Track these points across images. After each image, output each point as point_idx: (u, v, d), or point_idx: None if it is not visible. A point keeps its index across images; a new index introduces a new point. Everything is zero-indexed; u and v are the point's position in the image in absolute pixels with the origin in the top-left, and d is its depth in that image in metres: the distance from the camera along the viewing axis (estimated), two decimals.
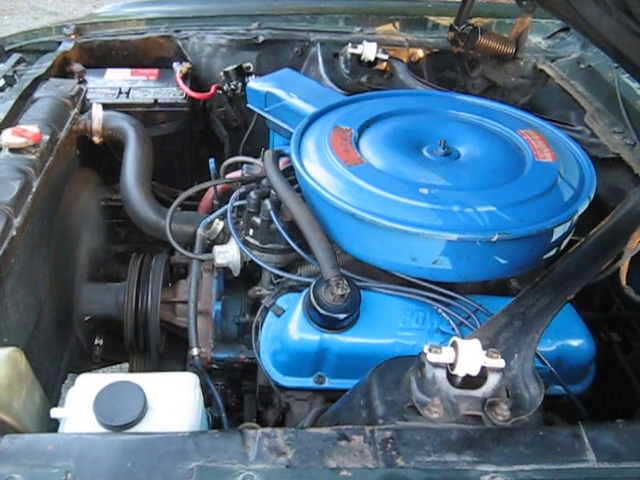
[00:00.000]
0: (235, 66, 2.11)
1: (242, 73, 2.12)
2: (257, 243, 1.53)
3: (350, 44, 2.07)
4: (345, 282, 1.31)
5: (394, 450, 0.90)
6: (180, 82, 2.02)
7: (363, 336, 1.36)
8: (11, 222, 1.27)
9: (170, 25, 2.17)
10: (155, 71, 2.10)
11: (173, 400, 1.06)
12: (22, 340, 1.45)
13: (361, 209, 1.31)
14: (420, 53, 2.22)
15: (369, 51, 2.05)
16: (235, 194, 1.55)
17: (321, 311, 1.31)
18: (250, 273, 1.66)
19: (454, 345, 1.02)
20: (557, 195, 1.38)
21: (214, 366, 1.60)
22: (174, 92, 2.01)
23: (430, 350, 1.01)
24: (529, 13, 2.06)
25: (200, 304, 1.56)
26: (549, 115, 1.99)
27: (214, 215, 1.63)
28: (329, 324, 1.34)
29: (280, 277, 1.53)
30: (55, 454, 0.87)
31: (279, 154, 1.57)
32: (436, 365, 1.00)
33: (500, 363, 1.01)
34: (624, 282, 1.28)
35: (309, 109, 1.77)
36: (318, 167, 1.43)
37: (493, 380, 1.01)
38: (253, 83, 1.89)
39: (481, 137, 1.56)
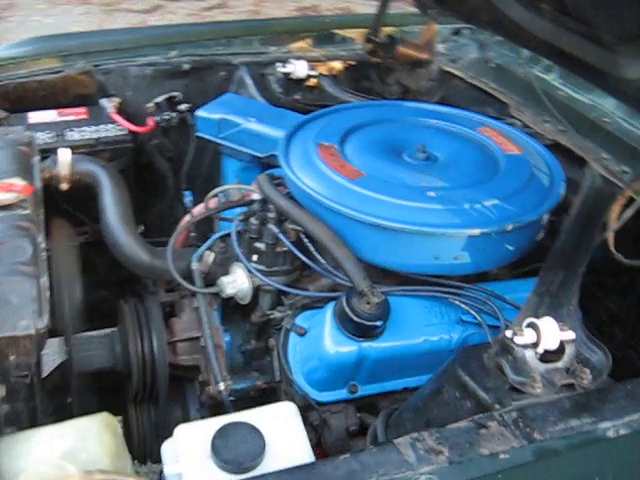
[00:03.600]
0: (166, 96, 2.07)
1: (173, 103, 2.10)
2: (263, 268, 1.54)
3: (280, 63, 2.12)
4: (378, 290, 1.37)
5: (527, 427, 0.98)
6: (118, 118, 1.95)
7: (396, 339, 1.42)
8: (39, 283, 1.19)
9: (87, 60, 2.08)
10: (82, 109, 2.01)
11: (285, 431, 1.06)
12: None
13: (383, 218, 1.38)
14: (338, 66, 2.31)
15: (300, 69, 2.11)
16: (236, 222, 1.55)
17: (358, 321, 1.36)
18: None
19: (533, 326, 1.12)
20: (539, 182, 1.54)
21: (231, 398, 1.59)
22: (113, 129, 1.94)
23: (515, 334, 1.11)
24: (434, 20, 2.24)
25: None
26: None
27: (204, 247, 1.61)
28: (364, 333, 1.39)
29: (285, 296, 1.56)
30: None
31: (273, 178, 1.58)
32: (524, 346, 1.10)
33: (571, 335, 1.14)
34: (613, 249, 1.46)
35: (270, 131, 1.81)
36: (323, 185, 1.47)
37: (570, 350, 1.13)
38: (202, 112, 1.88)
39: (449, 139, 1.69)
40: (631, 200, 1.49)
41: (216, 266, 1.62)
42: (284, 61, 2.14)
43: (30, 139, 1.61)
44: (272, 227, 1.50)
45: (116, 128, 1.95)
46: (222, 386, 1.48)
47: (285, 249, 1.52)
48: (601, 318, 1.82)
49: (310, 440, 1.52)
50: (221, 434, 1.02)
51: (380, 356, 1.42)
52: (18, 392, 1.14)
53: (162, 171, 2.13)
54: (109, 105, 1.98)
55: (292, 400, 1.51)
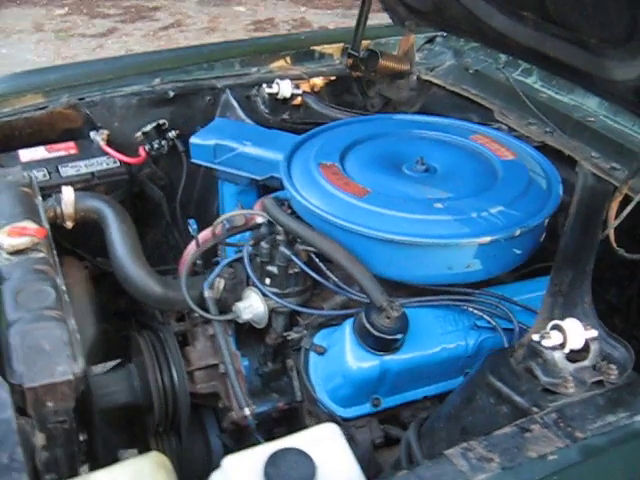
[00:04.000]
0: (154, 124, 2.08)
1: (161, 130, 2.10)
2: (277, 290, 1.55)
3: (265, 84, 2.14)
4: (397, 304, 1.40)
5: (568, 427, 1.02)
6: (110, 150, 1.94)
7: (415, 350, 1.45)
8: (69, 327, 1.18)
9: (71, 94, 2.07)
10: (71, 144, 1.99)
11: (332, 453, 1.07)
12: None
13: (396, 233, 1.41)
14: (320, 82, 2.34)
15: (285, 88, 2.14)
16: (247, 246, 1.56)
17: (379, 335, 1.38)
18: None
19: (558, 328, 1.16)
20: (538, 185, 1.59)
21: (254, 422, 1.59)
22: (106, 162, 1.93)
23: (543, 337, 1.15)
24: (412, 32, 2.28)
25: None
26: None
27: (214, 274, 1.62)
28: (385, 347, 1.42)
29: (300, 316, 1.58)
30: None
31: (279, 201, 1.60)
32: (552, 348, 1.14)
33: (594, 333, 1.18)
34: (615, 245, 1.51)
35: (266, 153, 1.82)
36: (333, 205, 1.49)
37: (595, 348, 1.17)
38: (196, 139, 1.89)
39: (444, 149, 1.73)
40: (627, 197, 1.54)
41: (226, 292, 1.63)
42: (268, 81, 2.16)
43: (30, 179, 1.60)
44: (284, 250, 1.52)
45: (108, 160, 1.94)
46: (247, 411, 1.49)
47: (297, 270, 1.54)
48: (599, 309, 1.87)
49: None
50: (272, 462, 1.03)
51: (401, 368, 1.44)
52: (57, 438, 1.13)
53: (156, 199, 2.13)
54: (99, 138, 1.98)
55: (317, 418, 1.54)
